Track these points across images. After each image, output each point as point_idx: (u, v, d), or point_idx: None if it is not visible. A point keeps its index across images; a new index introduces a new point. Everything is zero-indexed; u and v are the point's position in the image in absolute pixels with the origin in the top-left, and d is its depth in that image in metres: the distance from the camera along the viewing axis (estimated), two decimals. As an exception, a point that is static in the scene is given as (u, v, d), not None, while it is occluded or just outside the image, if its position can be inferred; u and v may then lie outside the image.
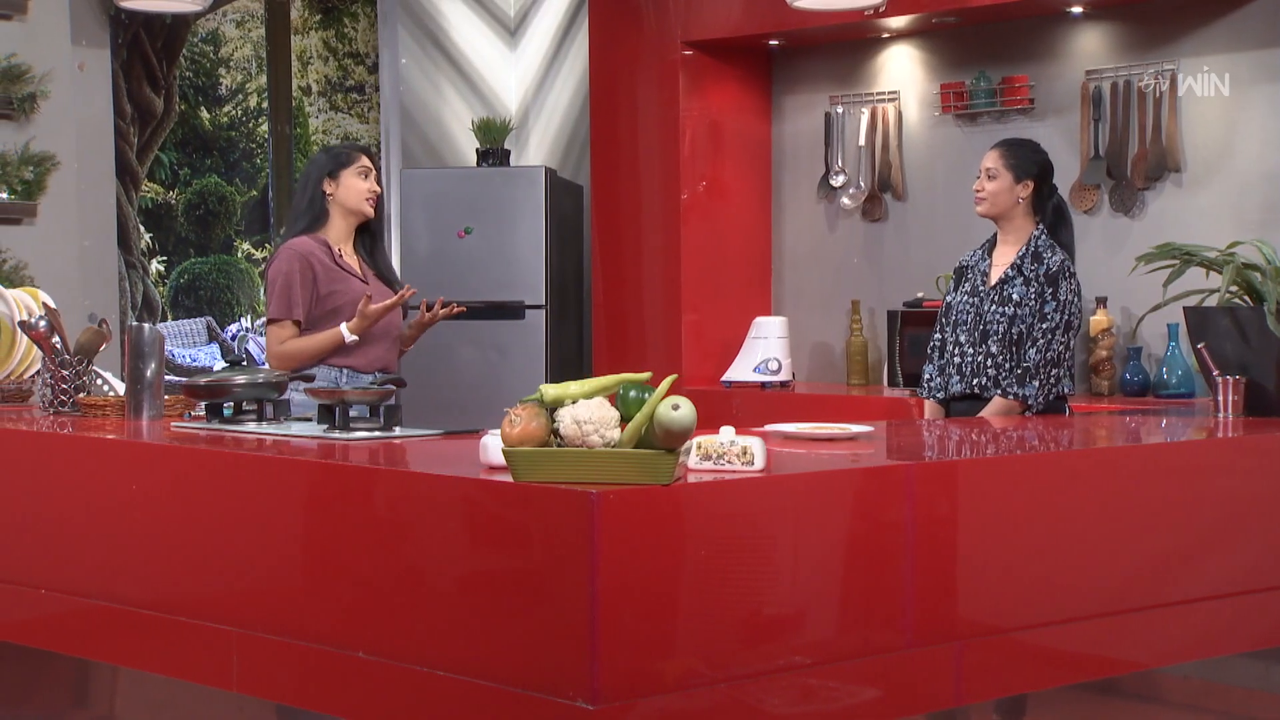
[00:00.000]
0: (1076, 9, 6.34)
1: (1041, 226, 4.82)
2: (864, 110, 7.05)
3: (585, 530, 2.72)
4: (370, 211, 4.95)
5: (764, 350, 6.95)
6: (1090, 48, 6.40)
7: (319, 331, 4.78)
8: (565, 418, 2.83)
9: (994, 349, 4.72)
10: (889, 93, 6.99)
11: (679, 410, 2.75)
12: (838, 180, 7.15)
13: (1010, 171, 4.81)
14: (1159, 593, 3.77)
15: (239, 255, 13.20)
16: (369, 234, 5.01)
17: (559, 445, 2.84)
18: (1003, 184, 4.81)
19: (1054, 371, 4.67)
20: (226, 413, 4.13)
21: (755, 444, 3.02)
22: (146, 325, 4.29)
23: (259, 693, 3.39)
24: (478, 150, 8.00)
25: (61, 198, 7.14)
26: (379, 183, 4.98)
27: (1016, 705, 4.01)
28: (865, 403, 6.51)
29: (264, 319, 5.23)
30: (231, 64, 13.46)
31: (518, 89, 8.61)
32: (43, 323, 4.43)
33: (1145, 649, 3.79)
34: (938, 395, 4.90)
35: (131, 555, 3.66)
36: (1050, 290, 4.68)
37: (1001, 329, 4.72)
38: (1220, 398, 4.48)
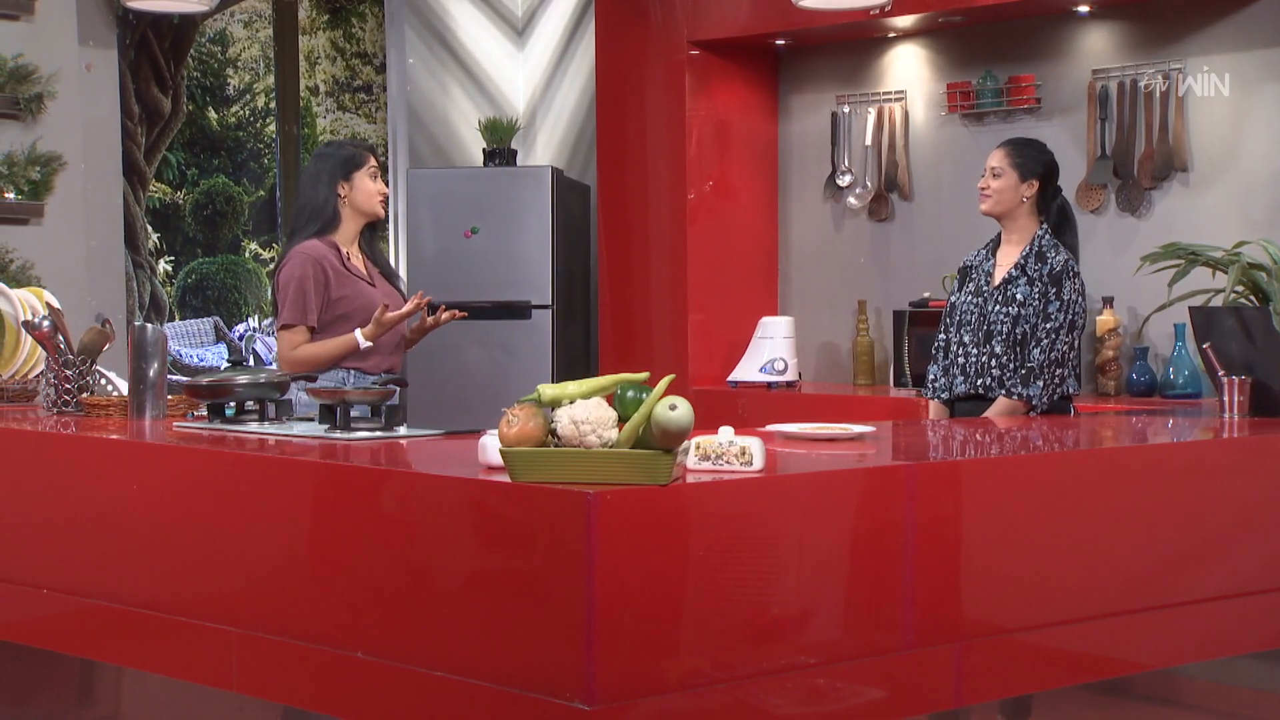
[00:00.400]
0: (1083, 8, 6.33)
1: (1045, 226, 4.81)
2: (870, 110, 7.04)
3: (582, 531, 2.71)
4: (382, 213, 4.95)
5: (770, 350, 6.94)
6: (1097, 47, 6.39)
7: (326, 336, 4.77)
8: (563, 418, 2.82)
9: (998, 349, 4.71)
10: (895, 92, 6.98)
11: (676, 410, 2.75)
12: (844, 180, 7.15)
13: (1016, 170, 4.80)
14: (1164, 593, 3.76)
15: (246, 255, 13.20)
16: (370, 230, 5.00)
17: (556, 445, 2.84)
18: (1008, 182, 4.80)
19: (1058, 371, 4.66)
20: (229, 413, 4.13)
21: (754, 444, 3.01)
22: (149, 325, 4.29)
23: (258, 693, 3.39)
24: (484, 150, 8.01)
25: (68, 198, 7.15)
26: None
27: (1021, 706, 4.00)
28: (871, 403, 6.50)
29: (273, 321, 5.22)
30: (239, 64, 13.46)
31: (525, 89, 8.61)
32: (46, 322, 4.43)
33: (1151, 650, 3.78)
34: (942, 396, 4.89)
35: (132, 555, 3.66)
36: (1054, 290, 4.67)
37: (1005, 329, 4.71)
38: (1225, 398, 4.46)
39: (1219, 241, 4.84)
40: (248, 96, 13.46)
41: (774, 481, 3.02)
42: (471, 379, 7.58)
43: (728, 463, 3.00)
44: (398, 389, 3.94)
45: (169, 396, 4.31)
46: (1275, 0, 5.93)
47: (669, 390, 2.82)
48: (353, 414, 3.81)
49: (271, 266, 4.72)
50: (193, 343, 11.60)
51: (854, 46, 7.10)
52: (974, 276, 4.88)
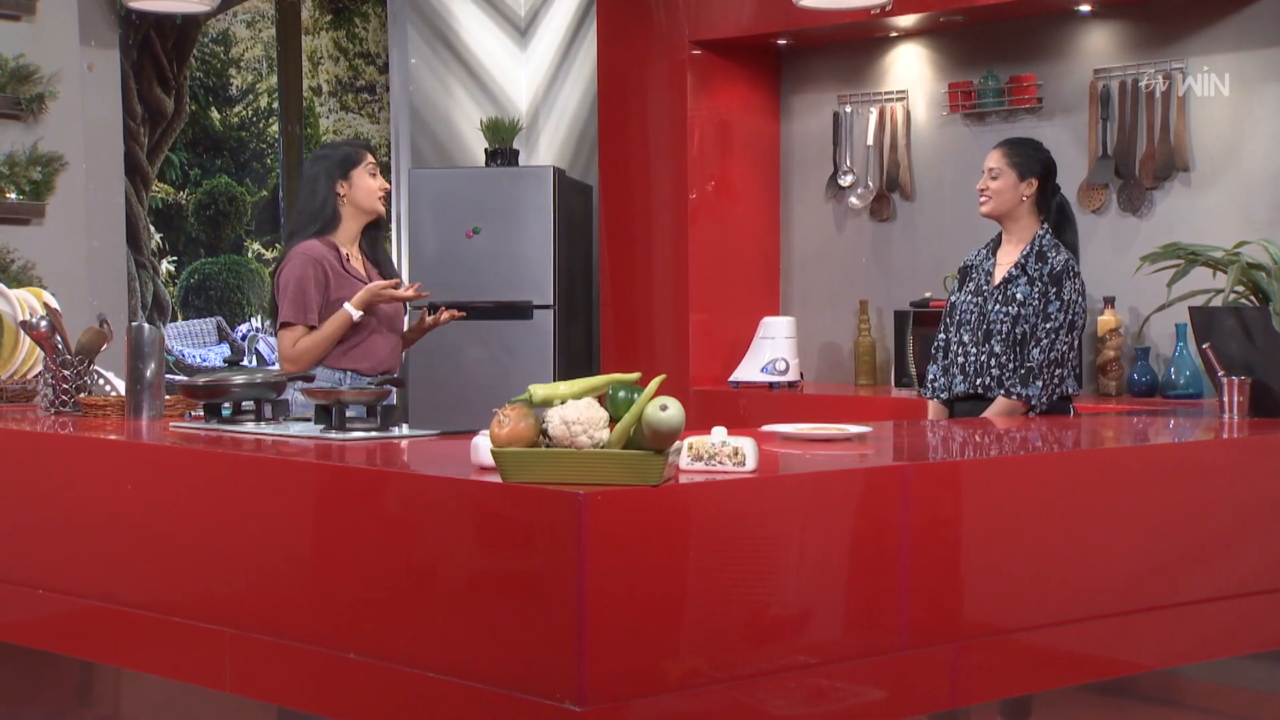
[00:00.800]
0: (1084, 8, 6.32)
1: (1046, 226, 4.80)
2: (872, 110, 7.03)
3: (573, 531, 2.71)
4: (382, 210, 4.96)
5: (771, 350, 6.93)
6: (1098, 47, 6.37)
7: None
8: (554, 418, 2.81)
9: (997, 349, 4.70)
10: (897, 92, 6.97)
11: (667, 410, 2.74)
12: (846, 180, 7.14)
13: (1014, 170, 4.79)
14: (1163, 594, 3.75)
15: (249, 255, 13.21)
16: (370, 229, 5.00)
17: (548, 446, 2.83)
18: (1007, 182, 4.79)
19: (1058, 372, 4.65)
20: (225, 413, 4.13)
21: (747, 445, 3.00)
22: (146, 325, 4.29)
23: (250, 693, 3.38)
24: (486, 150, 8.00)
25: (70, 198, 7.15)
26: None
27: (1020, 706, 4.00)
28: (873, 403, 6.49)
29: (273, 321, 5.22)
30: (242, 64, 13.47)
31: (528, 89, 8.60)
32: (44, 323, 4.43)
33: (1150, 650, 3.77)
34: (941, 395, 4.88)
35: (126, 556, 3.66)
36: (1054, 290, 4.66)
37: (1005, 328, 4.70)
38: (1225, 398, 4.45)
39: (1220, 241, 4.83)
40: (250, 97, 13.47)
41: (766, 482, 3.01)
42: (473, 379, 7.57)
43: (720, 463, 2.99)
44: (392, 389, 3.93)
45: (167, 396, 4.31)
46: (1276, 0, 5.92)
47: (660, 390, 2.81)
48: (348, 414, 3.81)
49: (274, 267, 4.70)
50: (195, 343, 11.61)
51: (855, 46, 7.09)
52: (974, 276, 4.87)
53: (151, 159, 9.67)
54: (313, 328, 4.74)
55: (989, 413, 4.67)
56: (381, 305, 4.86)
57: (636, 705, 2.78)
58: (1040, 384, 4.62)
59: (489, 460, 2.92)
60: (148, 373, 4.22)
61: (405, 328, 5.09)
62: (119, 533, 3.68)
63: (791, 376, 6.90)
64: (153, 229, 10.57)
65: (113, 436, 3.92)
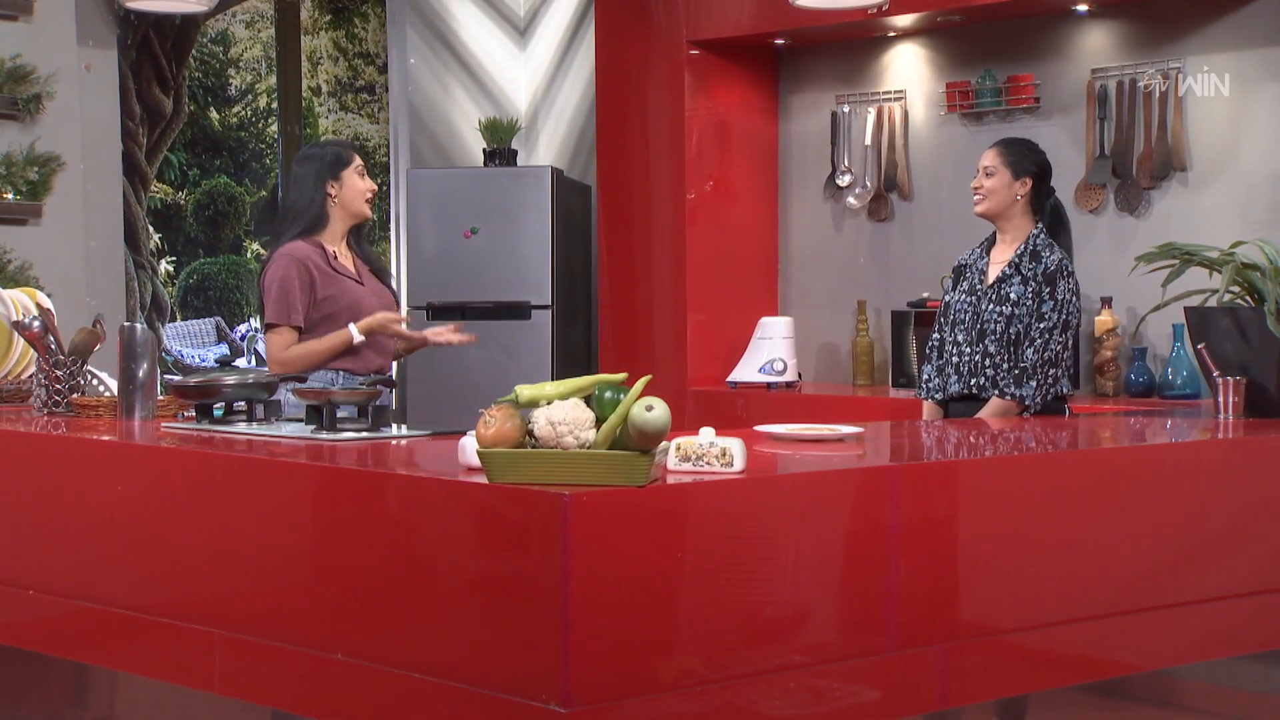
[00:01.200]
0: (1082, 7, 6.31)
1: (1041, 226, 4.79)
2: (870, 109, 7.02)
3: (558, 532, 2.70)
4: (370, 213, 4.95)
5: (769, 350, 6.92)
6: (1096, 46, 6.36)
7: (316, 335, 4.76)
8: (540, 419, 2.81)
9: (991, 349, 4.69)
10: (895, 92, 6.96)
11: (653, 411, 2.73)
12: (844, 180, 7.13)
13: (1009, 169, 4.78)
14: (1158, 594, 3.74)
15: (248, 256, 13.21)
16: (357, 230, 4.99)
17: (534, 446, 2.83)
18: (1001, 181, 4.78)
19: (1052, 372, 4.63)
20: (217, 413, 4.12)
21: (735, 445, 2.99)
22: (139, 325, 4.28)
23: (239, 694, 3.38)
24: (484, 150, 8.00)
25: (67, 198, 7.15)
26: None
27: (1015, 707, 3.99)
28: (870, 403, 6.48)
29: (261, 322, 5.21)
30: (241, 64, 13.47)
31: (527, 89, 8.60)
32: (36, 323, 4.42)
33: (1146, 650, 3.77)
34: (936, 395, 4.87)
35: (116, 556, 3.66)
36: (1048, 289, 4.64)
37: (999, 328, 4.69)
38: (1220, 399, 4.44)
39: (1218, 241, 4.82)
40: (250, 97, 13.47)
41: (753, 483, 3.00)
42: (471, 379, 7.56)
43: (708, 464, 2.99)
44: (384, 389, 3.92)
45: (161, 397, 4.31)
46: (1274, 0, 5.91)
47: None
48: (339, 414, 3.80)
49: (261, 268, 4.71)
50: (194, 343, 11.60)
51: (854, 46, 7.08)
52: (968, 275, 4.86)
53: (150, 159, 9.67)
54: (298, 328, 4.73)
55: (983, 413, 4.66)
56: (376, 305, 4.86)
57: (622, 706, 2.77)
58: (1034, 384, 4.60)
59: (476, 461, 2.91)
60: (140, 373, 4.21)
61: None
62: (109, 533, 3.68)
63: (789, 377, 6.89)
64: (151, 229, 10.56)
65: (103, 437, 3.91)
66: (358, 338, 4.73)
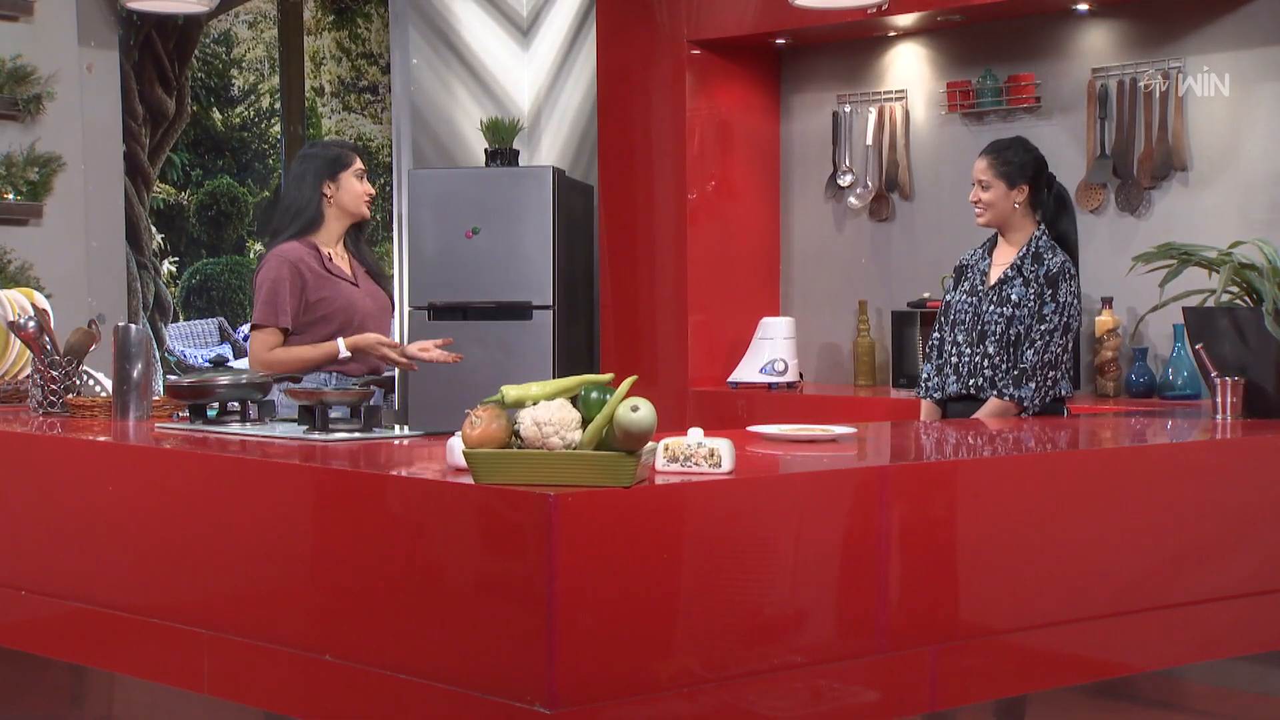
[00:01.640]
0: (1082, 7, 6.29)
1: (1043, 226, 4.77)
2: (871, 109, 7.01)
3: (543, 532, 2.69)
4: (368, 214, 4.93)
5: (770, 351, 6.91)
6: (1096, 46, 6.35)
7: (308, 337, 4.75)
8: (525, 419, 2.80)
9: (991, 350, 4.68)
10: (896, 91, 6.95)
11: (638, 412, 2.73)
12: (845, 180, 7.12)
13: (1003, 180, 4.76)
14: (1157, 595, 3.73)
15: (251, 256, 13.24)
16: (355, 231, 4.97)
17: (520, 447, 2.82)
18: (997, 193, 4.77)
19: (1051, 374, 4.62)
20: (211, 414, 4.11)
21: (723, 446, 2.98)
22: (133, 326, 4.28)
23: (227, 695, 3.37)
24: (486, 150, 7.99)
25: (68, 199, 7.16)
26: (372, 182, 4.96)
27: (1013, 707, 3.98)
28: (871, 404, 6.47)
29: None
30: (244, 65, 13.48)
31: (530, 89, 8.59)
32: (31, 323, 4.42)
33: (1145, 651, 3.76)
34: (935, 395, 4.86)
35: (109, 558, 3.65)
36: (1050, 291, 4.63)
37: (999, 329, 4.67)
38: (1219, 399, 4.42)
39: (1218, 241, 4.81)
40: (252, 97, 13.48)
41: (740, 483, 2.99)
42: (472, 380, 7.53)
43: (696, 464, 2.98)
44: (376, 390, 3.91)
45: (156, 397, 4.30)
46: (1274, 0, 5.89)
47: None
48: (332, 415, 3.79)
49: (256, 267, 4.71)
50: (197, 343, 11.62)
51: (855, 46, 7.07)
52: (969, 275, 4.85)
53: (153, 160, 9.67)
54: (286, 330, 4.72)
55: (981, 414, 4.65)
56: (370, 307, 4.85)
57: (608, 708, 2.76)
58: (1033, 386, 4.59)
59: (464, 461, 2.91)
60: (134, 373, 4.21)
61: (396, 335, 5.06)
62: (101, 534, 3.67)
63: (790, 377, 6.88)
64: (154, 230, 10.57)
65: (94, 438, 3.90)
66: (344, 353, 4.72)
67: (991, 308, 4.71)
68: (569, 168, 8.18)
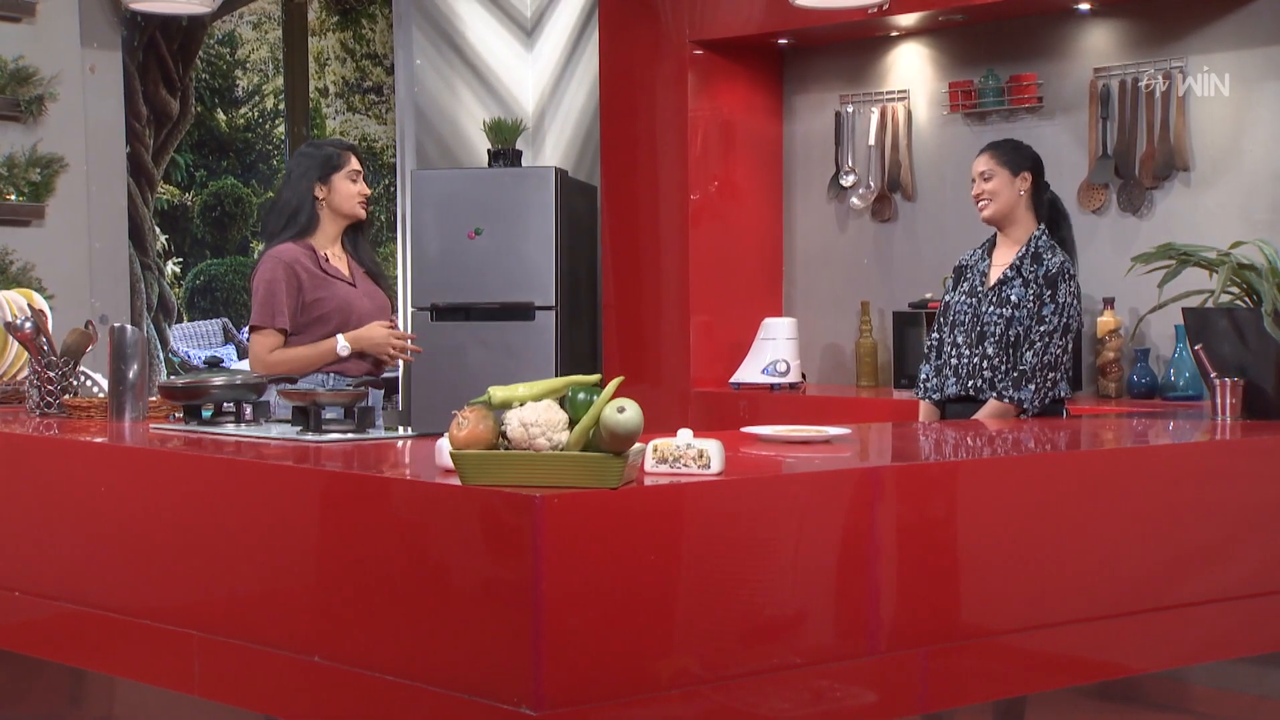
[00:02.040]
0: (1084, 7, 6.28)
1: (1043, 227, 4.76)
2: (874, 109, 7.00)
3: (529, 534, 2.69)
4: (362, 215, 4.89)
5: (773, 351, 6.90)
6: (1098, 46, 6.33)
7: (306, 338, 4.74)
8: (512, 420, 2.80)
9: (990, 351, 4.67)
10: (898, 91, 6.94)
11: (625, 413, 2.72)
12: (848, 180, 7.11)
13: (1006, 169, 4.75)
14: (1157, 596, 3.72)
15: (255, 257, 13.26)
16: (353, 229, 4.95)
17: (506, 448, 2.81)
18: (1001, 182, 4.75)
19: (1051, 375, 4.61)
20: (206, 414, 4.11)
21: (712, 447, 2.97)
22: (129, 326, 4.28)
23: (217, 697, 3.37)
24: (489, 151, 7.99)
25: (70, 200, 7.16)
26: (368, 182, 4.94)
27: (1012, 708, 3.97)
28: (873, 405, 6.45)
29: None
30: (248, 65, 13.49)
31: (534, 90, 8.59)
32: (28, 324, 4.43)
33: (1145, 652, 3.74)
34: (933, 396, 4.84)
35: (102, 559, 3.65)
36: (1049, 292, 4.62)
37: (999, 330, 4.66)
38: (1218, 400, 4.40)
39: (1220, 241, 4.79)
40: (256, 98, 13.49)
41: (730, 485, 2.98)
42: (474, 380, 7.51)
43: (685, 465, 2.97)
44: (370, 390, 3.91)
45: (151, 398, 4.30)
46: (1275, 0, 5.88)
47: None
48: (326, 416, 3.79)
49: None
50: (201, 344, 11.63)
51: (857, 46, 7.06)
52: (969, 276, 4.84)
53: (157, 160, 9.67)
54: (283, 330, 4.71)
55: (980, 415, 4.64)
56: (368, 307, 4.84)
57: (594, 710, 2.76)
58: (1033, 387, 4.58)
59: (451, 462, 2.90)
60: (130, 374, 4.21)
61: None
62: (95, 536, 3.67)
63: (793, 378, 6.86)
64: (158, 230, 10.58)
65: (88, 438, 3.90)
66: (344, 351, 4.70)
67: (991, 309, 4.69)
68: (572, 168, 8.18)
